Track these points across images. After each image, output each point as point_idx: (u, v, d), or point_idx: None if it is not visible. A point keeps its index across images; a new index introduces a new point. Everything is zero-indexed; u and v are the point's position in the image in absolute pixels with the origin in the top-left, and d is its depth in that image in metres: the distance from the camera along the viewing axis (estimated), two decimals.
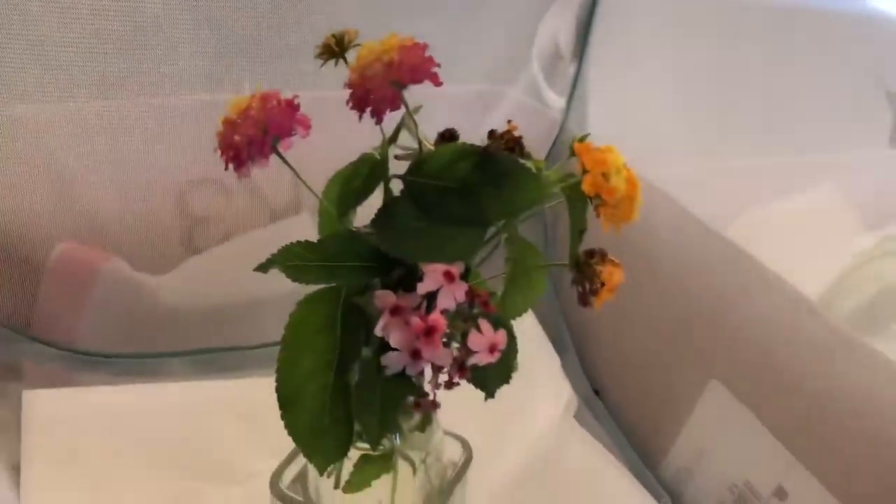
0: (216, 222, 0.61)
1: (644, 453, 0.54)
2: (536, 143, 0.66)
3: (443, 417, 0.44)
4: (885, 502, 0.38)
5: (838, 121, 0.67)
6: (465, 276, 0.38)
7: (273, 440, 0.43)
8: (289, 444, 0.38)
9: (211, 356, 0.60)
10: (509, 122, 0.36)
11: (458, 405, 0.52)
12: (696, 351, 0.49)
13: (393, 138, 0.36)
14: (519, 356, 0.52)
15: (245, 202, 0.62)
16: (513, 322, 0.55)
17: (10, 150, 0.53)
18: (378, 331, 0.34)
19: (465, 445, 0.45)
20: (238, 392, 0.54)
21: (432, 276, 0.33)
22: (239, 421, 0.53)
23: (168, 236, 0.59)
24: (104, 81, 0.54)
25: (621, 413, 0.58)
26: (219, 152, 0.34)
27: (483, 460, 0.50)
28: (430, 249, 0.34)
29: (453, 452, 0.45)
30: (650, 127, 0.63)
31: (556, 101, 0.65)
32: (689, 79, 0.63)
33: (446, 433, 0.44)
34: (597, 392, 0.61)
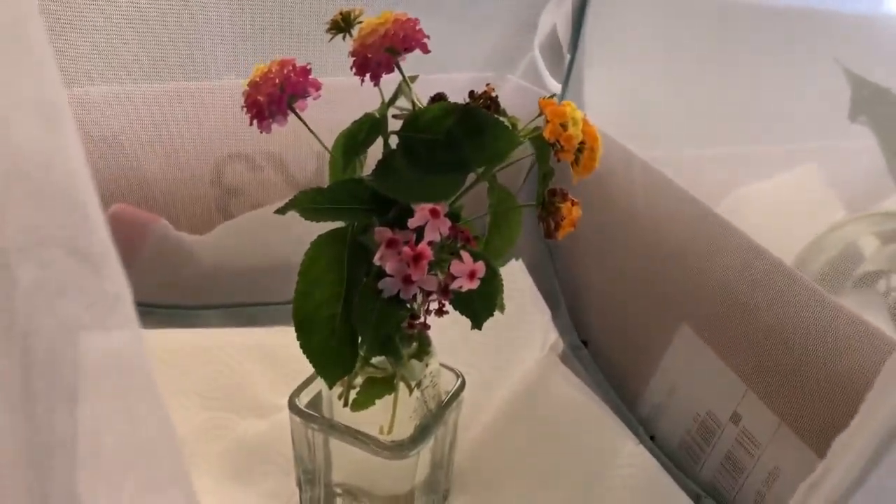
0: (247, 193, 0.68)
1: (624, 395, 0.59)
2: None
3: (442, 358, 0.50)
4: (821, 422, 0.43)
5: (825, 111, 0.71)
6: (454, 219, 0.44)
7: (296, 381, 0.49)
8: None
9: (243, 310, 0.67)
10: (487, 84, 0.42)
11: (457, 349, 0.58)
12: (668, 299, 0.54)
13: (392, 100, 0.43)
14: (511, 306, 0.58)
15: (273, 175, 0.69)
16: (511, 282, 0.61)
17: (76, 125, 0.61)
18: (376, 260, 0.40)
19: (459, 376, 0.51)
20: (267, 339, 0.60)
21: (420, 213, 0.40)
22: (266, 363, 0.59)
23: (206, 203, 0.66)
24: (154, 64, 0.62)
25: (605, 360, 0.63)
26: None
27: (476, 394, 0.56)
28: (418, 191, 0.40)
29: (448, 383, 0.51)
30: (641, 112, 0.68)
31: (557, 86, 0.71)
32: (678, 68, 0.67)
33: (442, 365, 0.50)
34: (585, 343, 0.67)
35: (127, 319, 0.18)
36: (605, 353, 0.63)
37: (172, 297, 0.65)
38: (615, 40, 0.68)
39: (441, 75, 0.70)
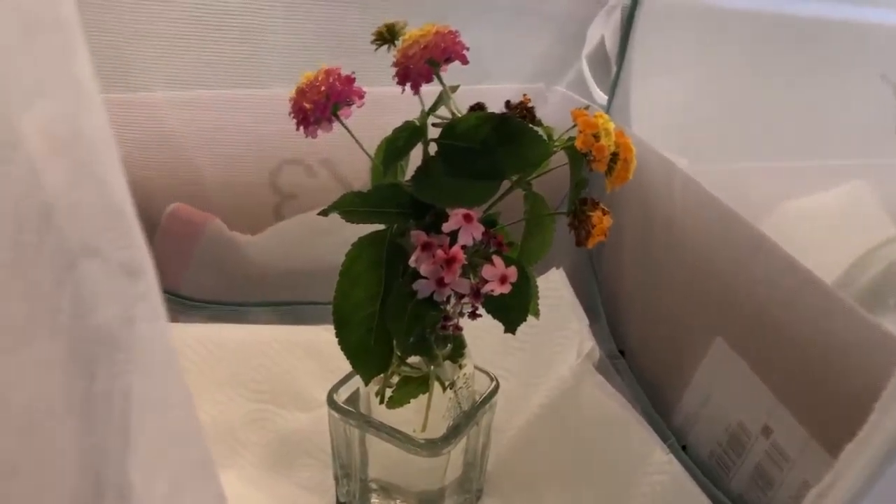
0: (302, 198, 0.71)
1: (659, 404, 0.59)
2: None
3: (480, 362, 0.51)
4: (850, 439, 0.43)
5: (876, 126, 0.70)
6: (491, 224, 0.45)
7: (338, 377, 0.51)
8: None
9: (291, 308, 0.70)
10: (524, 95, 0.43)
11: (495, 354, 0.59)
12: (704, 312, 0.54)
13: (433, 108, 0.44)
14: (550, 313, 0.59)
15: (326, 180, 0.71)
16: (551, 290, 0.62)
17: (137, 127, 0.64)
18: (411, 262, 0.42)
19: (494, 379, 0.52)
20: (313, 336, 0.62)
21: (454, 217, 0.41)
22: (311, 359, 0.61)
23: (261, 207, 0.69)
24: (214, 73, 0.65)
25: (641, 370, 0.63)
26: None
27: (512, 398, 0.57)
28: (453, 196, 0.41)
29: (483, 385, 0.52)
30: (688, 125, 0.68)
31: (604, 98, 0.72)
32: (726, 81, 0.67)
33: (477, 368, 0.51)
34: (622, 352, 0.67)
35: (156, 314, 0.20)
36: (642, 363, 0.63)
37: (224, 294, 0.68)
38: (662, 53, 0.68)
39: (489, 86, 0.71)
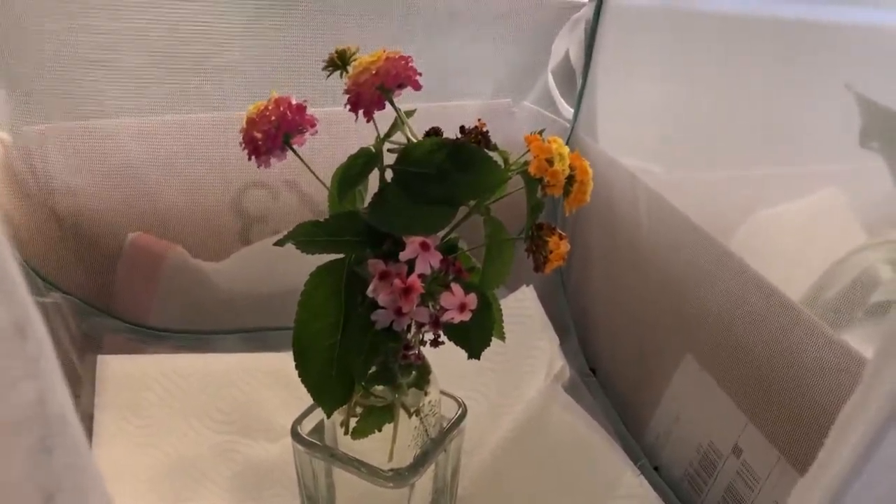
0: (268, 221, 0.70)
1: (631, 424, 0.59)
2: None
3: (451, 384, 0.50)
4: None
5: (849, 131, 0.69)
6: (450, 251, 0.45)
7: (307, 405, 0.50)
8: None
9: (259, 335, 0.69)
10: (479, 119, 0.42)
11: (466, 375, 0.58)
12: (672, 328, 0.54)
13: (388, 135, 0.44)
14: (520, 332, 0.58)
15: (293, 203, 0.70)
16: (521, 309, 0.61)
17: (95, 156, 0.63)
18: (369, 292, 0.41)
19: (461, 405, 0.51)
20: (280, 364, 0.61)
21: (411, 245, 0.40)
22: (279, 388, 0.61)
23: (226, 232, 0.68)
24: (172, 98, 0.64)
25: (613, 388, 0.63)
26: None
27: (482, 421, 0.56)
28: (409, 224, 0.41)
29: (450, 410, 0.51)
30: (657, 136, 0.67)
31: (570, 112, 0.71)
32: (693, 90, 0.67)
33: (444, 393, 0.51)
34: (593, 370, 0.67)
35: (48, 370, 0.19)
36: (613, 382, 0.63)
37: (189, 322, 0.67)
38: (628, 64, 0.68)
39: (456, 102, 0.71)
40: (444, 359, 0.47)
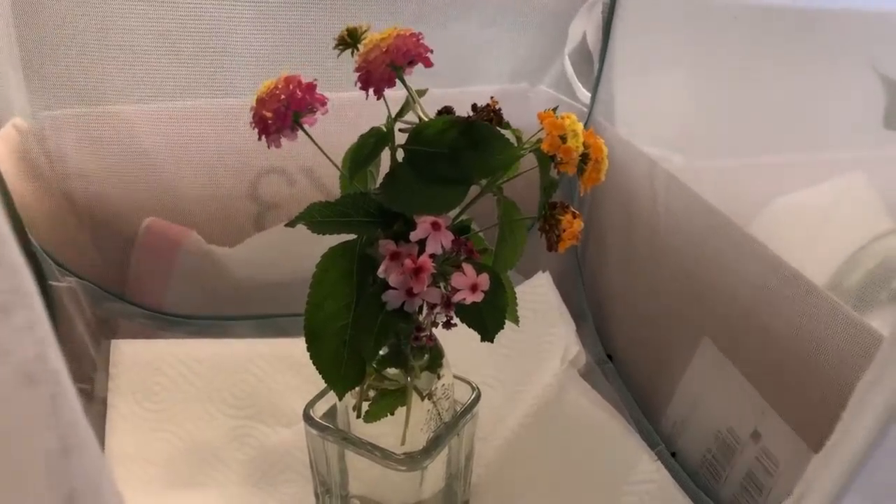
0: (283, 207, 0.70)
1: (648, 410, 0.58)
2: None
3: (466, 370, 0.50)
4: None
5: (863, 117, 0.68)
6: (462, 231, 0.44)
7: (320, 390, 0.50)
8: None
9: (273, 320, 0.69)
10: (491, 97, 0.42)
11: (482, 361, 0.58)
12: (689, 313, 0.53)
13: (400, 113, 0.43)
14: (536, 318, 0.58)
15: (308, 189, 0.70)
16: (537, 295, 0.60)
17: (109, 141, 0.63)
18: (380, 273, 0.41)
19: (475, 389, 0.50)
20: (294, 349, 0.61)
21: (422, 225, 0.40)
22: (292, 372, 0.60)
23: (241, 218, 0.68)
24: (188, 83, 0.64)
25: (629, 374, 0.62)
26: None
27: (498, 406, 0.56)
28: (420, 203, 0.40)
29: (464, 395, 0.50)
30: (675, 121, 0.66)
31: (587, 96, 0.70)
32: (713, 74, 0.66)
33: (458, 378, 0.50)
34: (610, 357, 0.66)
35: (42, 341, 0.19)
36: (630, 367, 0.62)
37: (204, 308, 0.67)
38: (646, 47, 0.67)
39: (472, 88, 0.70)
40: (460, 345, 0.46)
